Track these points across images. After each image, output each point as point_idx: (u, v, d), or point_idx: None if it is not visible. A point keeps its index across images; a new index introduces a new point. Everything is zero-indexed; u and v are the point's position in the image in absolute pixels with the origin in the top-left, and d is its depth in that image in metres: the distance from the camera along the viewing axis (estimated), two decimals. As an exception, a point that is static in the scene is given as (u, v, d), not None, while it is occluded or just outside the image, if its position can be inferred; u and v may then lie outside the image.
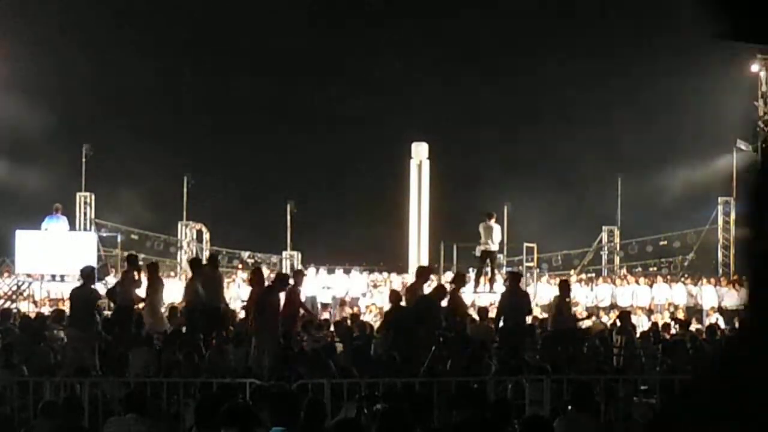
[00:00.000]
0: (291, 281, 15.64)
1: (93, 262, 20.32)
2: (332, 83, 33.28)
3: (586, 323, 17.75)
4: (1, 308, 18.28)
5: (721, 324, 20.36)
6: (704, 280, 25.62)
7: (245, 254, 29.58)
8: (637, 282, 25.52)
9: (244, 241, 30.32)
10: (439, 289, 14.61)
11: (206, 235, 30.43)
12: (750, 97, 27.78)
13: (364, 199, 31.91)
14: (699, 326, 19.83)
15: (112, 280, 19.19)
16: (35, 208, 24.26)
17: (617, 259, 30.47)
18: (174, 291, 22.07)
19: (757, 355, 1.76)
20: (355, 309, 22.26)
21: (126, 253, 19.65)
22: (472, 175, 32.16)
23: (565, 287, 15.74)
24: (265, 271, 24.65)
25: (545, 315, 20.80)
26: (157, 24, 31.15)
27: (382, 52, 32.37)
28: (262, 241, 30.81)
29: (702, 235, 29.21)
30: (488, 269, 21.09)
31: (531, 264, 26.86)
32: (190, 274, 16.36)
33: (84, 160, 27.23)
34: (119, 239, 25.93)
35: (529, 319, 16.17)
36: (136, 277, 15.37)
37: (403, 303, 14.47)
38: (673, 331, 17.86)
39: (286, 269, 28.58)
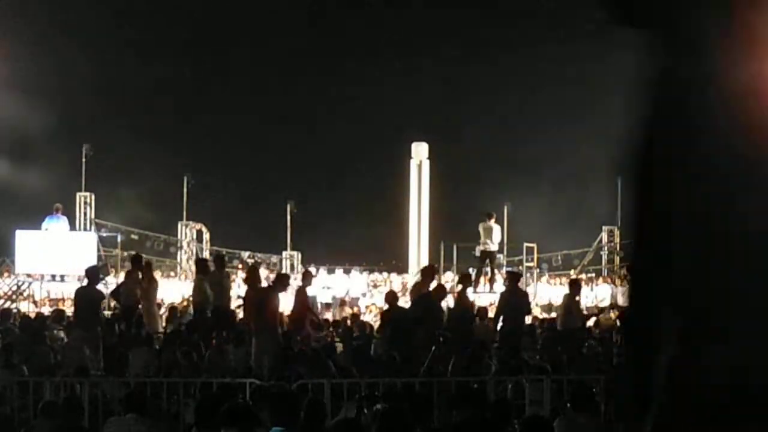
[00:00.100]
0: (294, 281, 15.66)
1: (93, 262, 20.34)
2: (332, 83, 33.30)
3: (592, 321, 17.70)
4: (1, 308, 18.28)
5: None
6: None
7: (245, 254, 29.58)
8: (637, 282, 25.51)
9: (244, 241, 30.34)
10: (439, 289, 14.61)
11: (206, 235, 30.43)
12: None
13: (364, 199, 31.94)
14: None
15: (112, 280, 19.21)
16: (35, 208, 24.27)
17: (617, 259, 30.46)
18: (174, 291, 22.11)
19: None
20: (355, 309, 22.28)
21: (130, 254, 19.66)
22: (472, 175, 32.18)
23: (576, 287, 15.70)
24: (264, 272, 24.75)
25: (545, 315, 20.84)
26: (157, 24, 31.16)
27: (382, 52, 32.38)
28: (262, 241, 30.84)
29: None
30: (488, 269, 21.10)
31: (531, 264, 26.88)
32: (192, 275, 16.39)
33: (84, 160, 27.23)
34: (119, 239, 25.93)
35: (528, 319, 16.18)
36: (140, 277, 15.42)
37: (400, 303, 14.50)
38: None
39: (286, 269, 28.60)
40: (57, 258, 22.15)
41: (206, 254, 28.92)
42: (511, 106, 31.98)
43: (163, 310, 17.71)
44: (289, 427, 5.91)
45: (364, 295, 25.18)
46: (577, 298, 15.55)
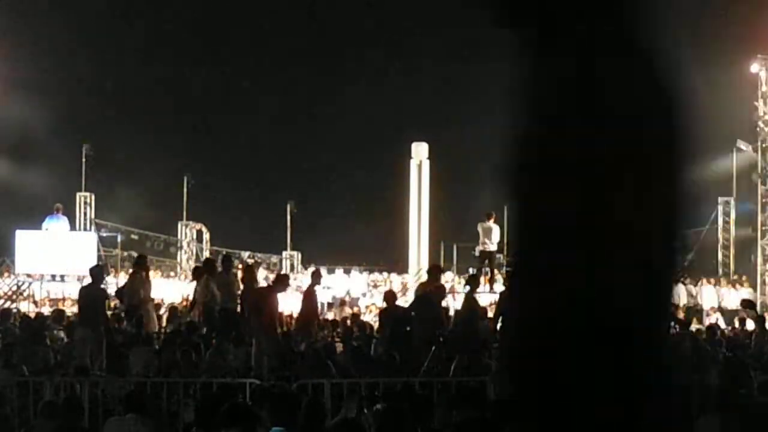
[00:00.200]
0: (294, 281, 15.64)
1: (93, 262, 20.34)
2: (332, 83, 33.29)
3: None
4: (1, 308, 18.29)
5: (721, 324, 20.37)
6: (704, 280, 25.62)
7: (245, 254, 29.59)
8: (637, 282, 25.50)
9: (244, 241, 30.35)
10: (438, 289, 14.61)
11: (206, 235, 30.44)
12: (750, 97, 27.77)
13: (364, 199, 31.92)
14: (699, 326, 19.82)
15: (112, 280, 19.22)
16: (35, 208, 24.28)
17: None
18: (174, 291, 22.12)
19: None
20: (355, 309, 22.28)
21: (131, 254, 19.69)
22: (472, 175, 32.16)
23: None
24: (263, 272, 24.76)
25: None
26: (157, 24, 31.16)
27: (382, 52, 32.37)
28: (262, 241, 30.85)
29: (702, 235, 29.20)
30: (487, 269, 21.10)
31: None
32: (191, 275, 16.40)
33: (84, 160, 27.24)
34: (119, 239, 25.95)
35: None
36: (145, 278, 15.46)
37: (398, 302, 14.49)
38: (672, 331, 17.85)
39: (286, 269, 28.61)
40: (57, 258, 22.15)
41: (206, 254, 28.95)
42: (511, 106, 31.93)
43: (163, 310, 17.71)
44: (288, 427, 5.91)
45: (364, 295, 25.18)
46: None
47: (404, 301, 17.89)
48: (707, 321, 21.72)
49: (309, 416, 6.17)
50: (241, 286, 14.98)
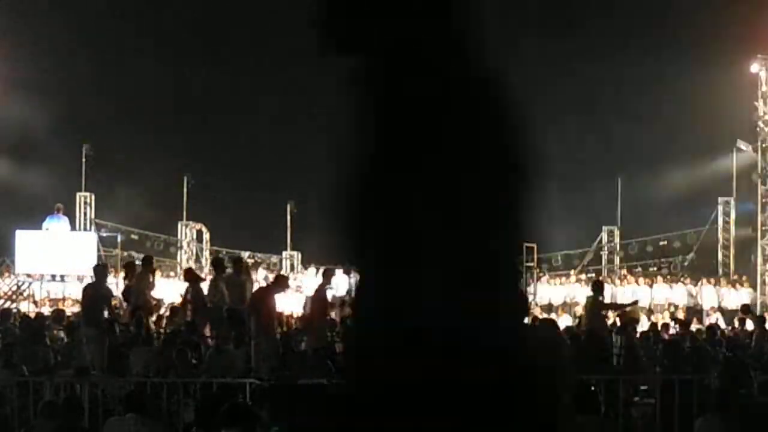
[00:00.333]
0: (293, 281, 15.63)
1: (93, 262, 20.35)
2: (332, 83, 33.22)
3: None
4: (1, 308, 18.30)
5: (721, 324, 20.37)
6: (704, 280, 25.63)
7: (245, 254, 29.59)
8: (636, 282, 25.52)
9: (244, 241, 30.32)
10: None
11: (206, 235, 30.44)
12: (750, 97, 27.77)
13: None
14: (699, 326, 19.83)
15: (112, 280, 19.21)
16: (35, 208, 24.27)
17: (617, 259, 30.46)
18: (174, 291, 22.08)
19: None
20: (355, 309, 22.23)
21: (135, 254, 19.69)
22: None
23: (599, 288, 15.59)
24: (263, 272, 24.75)
25: (545, 315, 20.84)
26: (157, 24, 31.15)
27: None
28: (262, 241, 30.82)
29: (702, 235, 29.21)
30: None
31: (531, 264, 26.86)
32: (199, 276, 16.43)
33: (84, 160, 27.24)
34: (119, 239, 25.94)
35: (527, 320, 16.12)
36: (151, 279, 15.49)
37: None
38: (672, 331, 17.86)
39: (286, 269, 28.61)
40: (57, 258, 22.15)
41: (206, 254, 28.95)
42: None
43: (163, 310, 17.70)
44: (288, 427, 5.91)
45: (364, 295, 25.14)
46: (601, 298, 15.41)
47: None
48: (707, 321, 21.74)
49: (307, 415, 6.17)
50: (254, 289, 15.00)
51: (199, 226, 30.35)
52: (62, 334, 14.92)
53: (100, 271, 14.49)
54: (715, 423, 7.81)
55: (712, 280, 25.97)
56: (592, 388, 8.96)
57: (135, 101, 31.22)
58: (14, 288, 22.03)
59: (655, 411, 10.11)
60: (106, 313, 13.57)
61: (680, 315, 22.26)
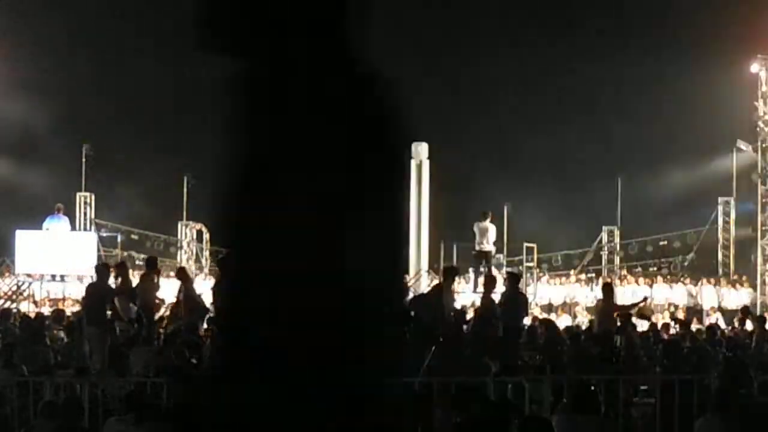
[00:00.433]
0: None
1: (93, 262, 20.36)
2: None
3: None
4: (1, 308, 18.30)
5: (721, 324, 20.38)
6: (704, 280, 25.64)
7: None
8: (637, 282, 25.52)
9: (244, 241, 30.29)
10: (436, 289, 14.61)
11: (206, 235, 30.42)
12: (750, 97, 27.77)
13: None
14: (699, 326, 19.84)
15: (111, 280, 19.19)
16: (35, 208, 24.28)
17: (617, 259, 30.46)
18: (174, 291, 22.03)
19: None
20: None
21: (135, 254, 19.70)
22: (472, 175, 32.16)
23: (609, 290, 15.57)
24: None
25: (545, 315, 20.85)
26: (157, 24, 31.15)
27: (381, 51, 32.30)
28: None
29: (702, 235, 29.21)
30: (484, 269, 21.10)
31: (531, 264, 26.88)
32: (192, 275, 16.39)
33: (84, 160, 27.25)
34: (119, 239, 25.95)
35: (528, 320, 16.20)
36: (155, 280, 15.48)
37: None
38: (672, 331, 17.87)
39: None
40: (57, 258, 22.16)
41: (206, 254, 28.95)
42: (511, 106, 31.96)
43: (163, 310, 17.69)
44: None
45: (364, 295, 25.16)
46: (611, 300, 15.37)
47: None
48: (707, 321, 21.74)
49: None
50: None
51: (199, 226, 30.35)
52: (62, 334, 14.92)
53: (102, 270, 14.52)
54: (715, 423, 7.81)
55: (712, 280, 25.98)
56: (592, 388, 8.98)
57: (135, 101, 31.22)
58: (14, 288, 22.03)
59: (655, 411, 10.11)
60: (108, 313, 13.60)
61: (680, 315, 22.27)
